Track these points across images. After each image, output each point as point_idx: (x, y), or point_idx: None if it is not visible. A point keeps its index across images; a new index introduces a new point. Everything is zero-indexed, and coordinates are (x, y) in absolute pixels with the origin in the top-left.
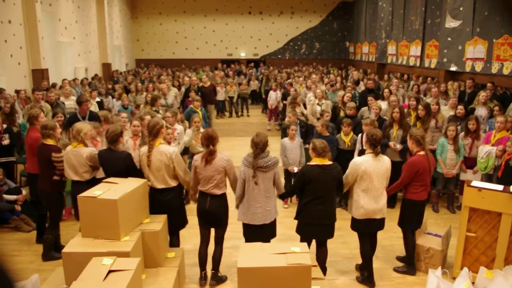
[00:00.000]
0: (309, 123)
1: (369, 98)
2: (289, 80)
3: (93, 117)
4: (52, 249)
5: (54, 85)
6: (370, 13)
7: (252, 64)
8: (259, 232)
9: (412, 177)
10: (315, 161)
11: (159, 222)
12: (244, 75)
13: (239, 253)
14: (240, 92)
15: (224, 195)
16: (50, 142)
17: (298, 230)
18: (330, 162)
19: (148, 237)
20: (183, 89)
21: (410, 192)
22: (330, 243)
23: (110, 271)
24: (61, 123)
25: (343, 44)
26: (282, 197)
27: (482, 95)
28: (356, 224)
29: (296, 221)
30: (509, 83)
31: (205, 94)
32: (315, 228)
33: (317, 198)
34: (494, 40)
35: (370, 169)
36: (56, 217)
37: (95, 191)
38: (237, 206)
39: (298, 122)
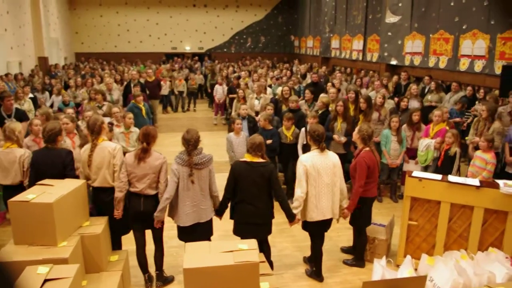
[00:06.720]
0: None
1: (306, 91)
2: (235, 74)
3: (20, 114)
4: None
5: None
6: (314, 8)
7: (197, 58)
8: (195, 232)
9: (366, 174)
10: (245, 157)
11: (100, 225)
12: (189, 69)
13: (185, 253)
14: (189, 86)
15: (157, 195)
16: None
17: (234, 231)
18: (260, 160)
19: (88, 241)
20: (125, 84)
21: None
22: (276, 237)
23: (46, 280)
24: None
25: (288, 38)
26: (219, 212)
27: (414, 88)
28: (308, 225)
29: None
30: (445, 76)
31: (149, 89)
32: (249, 227)
33: (246, 197)
34: (430, 35)
35: (317, 165)
36: None
37: (28, 195)
38: (164, 209)
39: (247, 117)
